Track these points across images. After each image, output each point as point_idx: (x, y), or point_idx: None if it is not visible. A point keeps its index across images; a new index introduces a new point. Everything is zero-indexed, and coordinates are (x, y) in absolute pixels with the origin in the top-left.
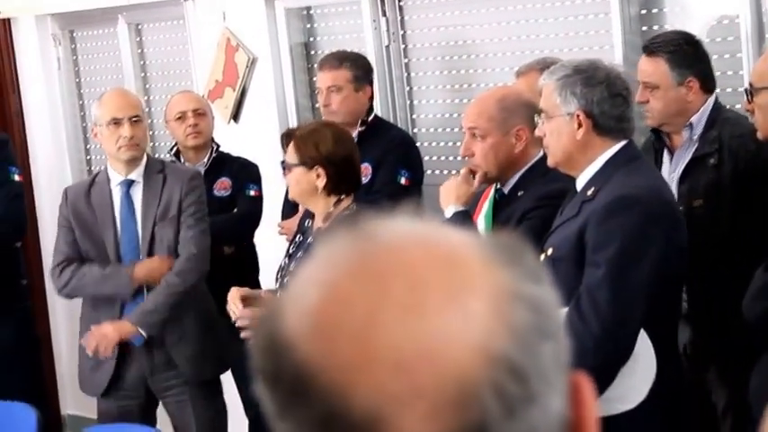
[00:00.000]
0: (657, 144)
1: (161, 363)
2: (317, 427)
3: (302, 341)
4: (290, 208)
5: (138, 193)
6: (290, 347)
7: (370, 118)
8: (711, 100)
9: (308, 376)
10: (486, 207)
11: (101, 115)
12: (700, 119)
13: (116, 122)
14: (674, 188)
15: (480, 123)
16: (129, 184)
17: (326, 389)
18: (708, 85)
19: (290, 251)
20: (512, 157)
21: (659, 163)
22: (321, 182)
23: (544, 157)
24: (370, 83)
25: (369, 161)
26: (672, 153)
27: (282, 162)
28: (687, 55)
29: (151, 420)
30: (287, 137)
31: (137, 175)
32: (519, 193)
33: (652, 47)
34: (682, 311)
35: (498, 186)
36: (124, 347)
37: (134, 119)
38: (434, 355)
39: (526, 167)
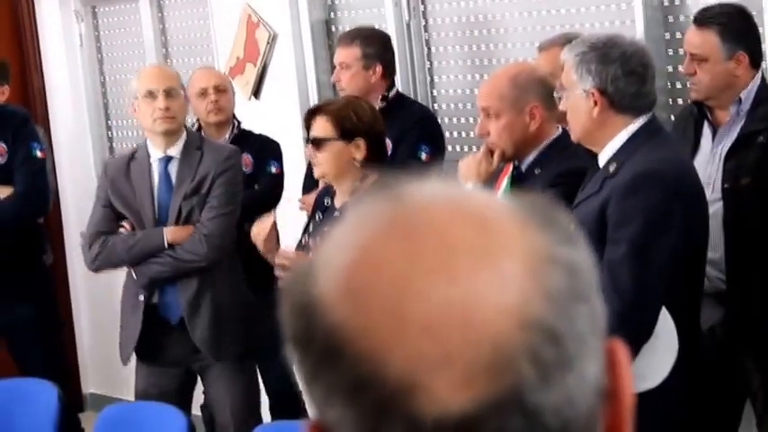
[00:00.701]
0: (698, 117)
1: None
2: (348, 392)
3: (334, 305)
4: (311, 183)
5: (175, 169)
6: (322, 311)
7: (392, 94)
8: (759, 76)
9: (341, 340)
10: (504, 184)
11: (137, 89)
12: (748, 95)
13: (151, 95)
14: (717, 164)
15: (493, 103)
16: (167, 160)
17: (359, 353)
18: (756, 60)
19: (310, 229)
20: (527, 135)
21: (699, 137)
22: (360, 153)
23: (562, 135)
24: (384, 61)
25: (389, 137)
26: (714, 128)
27: (311, 139)
28: (739, 28)
29: (187, 402)
30: (312, 113)
31: (176, 151)
32: (536, 171)
33: (703, 18)
34: (703, 290)
35: (516, 164)
36: (165, 324)
37: (170, 91)
38: (468, 318)
39: (544, 145)
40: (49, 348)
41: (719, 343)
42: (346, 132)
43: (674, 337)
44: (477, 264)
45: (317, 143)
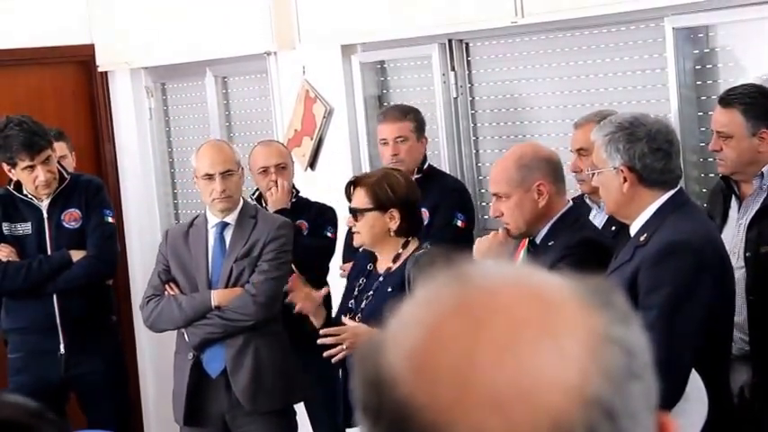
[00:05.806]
0: (726, 191)
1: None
2: None
3: (404, 379)
4: (350, 252)
5: (230, 234)
6: (392, 385)
7: (425, 166)
8: None
9: (409, 414)
10: (520, 257)
11: (197, 169)
12: None
13: (209, 177)
14: (741, 234)
15: (501, 188)
16: (223, 226)
17: (426, 426)
18: None
19: (356, 293)
20: (537, 211)
21: (727, 209)
22: (394, 224)
23: (572, 208)
24: (424, 133)
25: (426, 206)
26: (740, 200)
27: (349, 209)
28: (762, 107)
29: None
30: (353, 185)
31: (231, 218)
32: (550, 243)
33: (728, 98)
34: (732, 353)
35: (531, 237)
36: (203, 380)
37: (226, 173)
38: (531, 394)
39: (555, 218)
40: (116, 402)
41: (749, 403)
42: (381, 204)
43: (705, 398)
44: (539, 342)
45: (355, 213)
